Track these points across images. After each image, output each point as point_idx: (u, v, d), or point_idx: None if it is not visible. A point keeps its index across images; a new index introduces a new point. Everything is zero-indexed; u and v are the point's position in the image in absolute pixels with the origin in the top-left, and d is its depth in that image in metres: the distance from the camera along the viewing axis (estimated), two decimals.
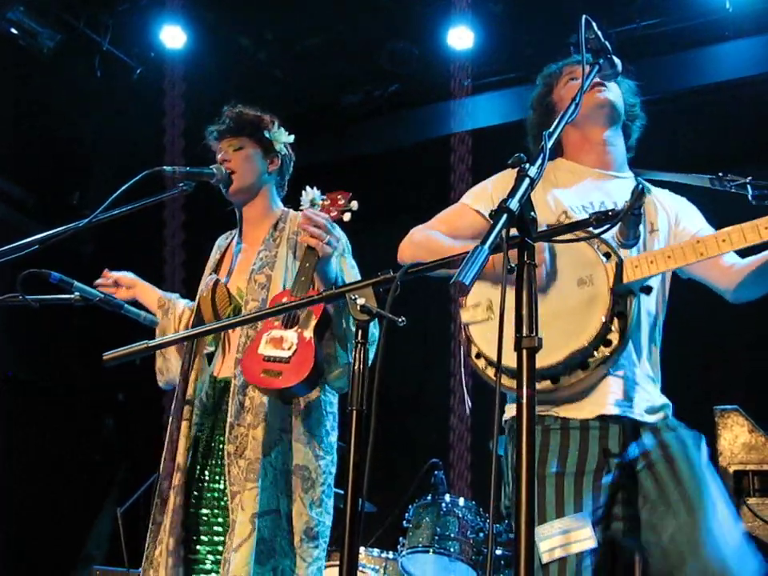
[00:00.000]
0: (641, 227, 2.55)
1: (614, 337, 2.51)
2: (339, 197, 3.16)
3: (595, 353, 2.52)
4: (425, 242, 2.91)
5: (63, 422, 7.70)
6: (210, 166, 3.40)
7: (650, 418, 2.65)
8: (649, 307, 2.74)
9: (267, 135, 3.54)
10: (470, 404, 2.87)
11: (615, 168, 2.95)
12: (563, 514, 2.49)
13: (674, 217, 2.93)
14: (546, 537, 2.47)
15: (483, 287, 2.66)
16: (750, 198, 2.71)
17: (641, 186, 2.32)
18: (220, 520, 3.14)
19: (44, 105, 7.36)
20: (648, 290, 2.58)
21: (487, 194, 2.92)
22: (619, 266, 2.54)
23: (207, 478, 3.22)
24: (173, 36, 7.29)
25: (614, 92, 2.91)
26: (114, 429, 8.26)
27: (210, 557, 3.12)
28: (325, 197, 3.17)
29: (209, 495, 3.19)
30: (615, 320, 2.51)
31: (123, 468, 7.85)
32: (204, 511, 3.18)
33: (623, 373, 2.63)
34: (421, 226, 3.02)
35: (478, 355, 2.69)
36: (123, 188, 2.93)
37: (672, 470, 2.56)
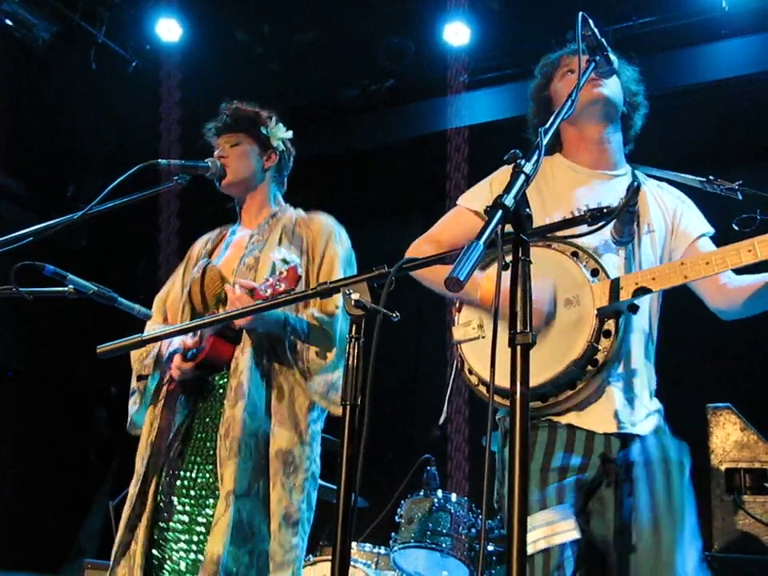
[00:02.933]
0: (635, 225, 2.56)
1: (601, 356, 2.53)
2: (293, 278, 3.05)
3: (582, 373, 2.54)
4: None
5: (56, 415, 7.70)
6: (205, 160, 3.40)
7: (639, 430, 2.65)
8: (641, 322, 2.73)
9: (264, 131, 3.54)
10: (444, 415, 2.91)
11: (611, 166, 2.93)
12: (546, 506, 2.53)
13: (673, 215, 2.91)
14: (530, 529, 2.48)
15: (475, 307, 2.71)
16: (734, 222, 2.74)
17: (636, 182, 2.32)
18: (187, 509, 3.12)
19: (39, 97, 7.35)
20: (635, 309, 2.59)
21: (487, 192, 2.91)
22: (610, 284, 2.55)
23: (182, 466, 3.19)
24: (169, 29, 7.29)
25: (611, 87, 2.86)
26: (107, 421, 8.26)
27: (175, 545, 3.10)
28: (288, 267, 3.07)
29: (179, 483, 3.16)
30: (602, 339, 2.53)
31: (116, 461, 7.85)
32: (173, 499, 3.16)
33: (614, 390, 2.63)
34: (424, 235, 3.03)
35: (470, 371, 2.72)
36: (118, 181, 2.93)
37: (651, 489, 2.57)
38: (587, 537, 2.57)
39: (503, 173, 2.93)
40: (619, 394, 2.63)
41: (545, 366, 2.52)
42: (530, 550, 2.47)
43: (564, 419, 2.61)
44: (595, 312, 2.53)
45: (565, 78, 2.99)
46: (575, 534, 2.50)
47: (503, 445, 2.74)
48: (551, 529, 2.49)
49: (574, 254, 2.62)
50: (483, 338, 2.68)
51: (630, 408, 2.65)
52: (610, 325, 2.54)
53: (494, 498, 2.76)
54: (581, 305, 2.56)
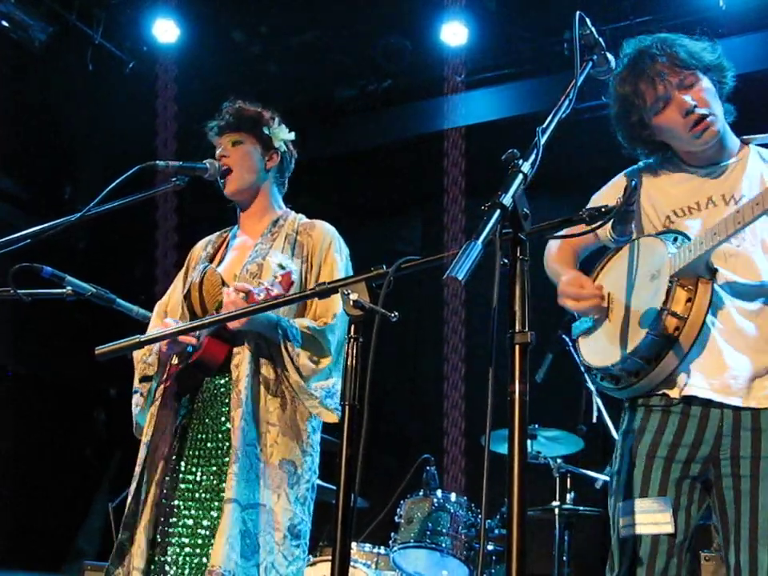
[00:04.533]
0: (633, 224, 2.56)
1: (680, 324, 2.52)
2: (286, 283, 3.06)
3: (664, 341, 2.55)
4: (550, 261, 3.03)
5: (55, 416, 7.70)
6: (204, 161, 3.39)
7: (753, 401, 2.57)
8: (741, 278, 2.64)
9: (267, 131, 3.52)
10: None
11: (726, 155, 2.85)
12: (647, 494, 2.57)
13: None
14: (626, 513, 2.57)
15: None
16: None
17: (633, 182, 2.32)
18: (192, 512, 3.10)
19: (35, 98, 7.34)
20: (713, 272, 2.57)
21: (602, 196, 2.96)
22: (685, 250, 2.56)
23: (183, 468, 3.18)
24: (166, 30, 7.29)
25: (713, 104, 2.78)
26: (106, 423, 8.26)
27: (180, 549, 3.09)
28: (283, 273, 3.08)
29: (183, 486, 3.15)
30: (681, 305, 2.53)
31: (114, 462, 7.85)
32: (176, 503, 3.15)
33: (718, 356, 2.59)
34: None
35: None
36: (116, 182, 2.92)
37: (751, 491, 2.52)
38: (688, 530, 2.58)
39: (620, 178, 2.99)
40: (716, 361, 2.59)
41: (629, 339, 2.59)
42: (622, 533, 2.57)
43: (676, 393, 2.60)
44: (668, 279, 2.55)
45: (664, 114, 2.79)
46: (669, 529, 2.52)
47: (625, 429, 2.75)
48: (646, 517, 2.54)
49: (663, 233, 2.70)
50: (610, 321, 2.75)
51: (731, 378, 2.58)
52: (690, 291, 2.54)
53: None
54: (660, 276, 2.59)
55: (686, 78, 2.77)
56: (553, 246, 3.06)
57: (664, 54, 2.77)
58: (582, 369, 2.98)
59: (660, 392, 2.63)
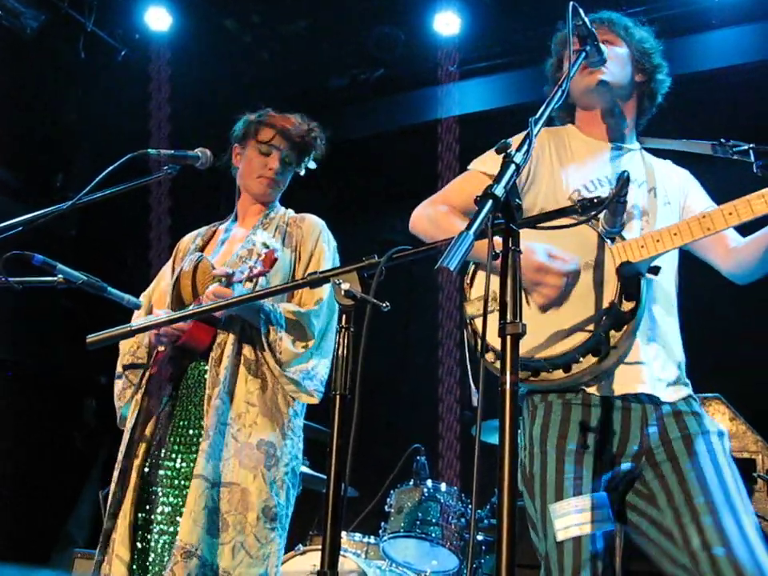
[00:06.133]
0: (625, 215, 2.55)
1: (628, 321, 2.48)
2: (269, 260, 3.08)
3: (606, 337, 2.48)
4: (441, 220, 2.81)
5: (45, 404, 7.69)
6: (195, 150, 3.38)
7: (672, 396, 2.59)
8: (664, 285, 2.69)
9: (305, 163, 3.69)
10: (476, 395, 2.83)
11: (624, 139, 2.92)
12: (581, 492, 2.45)
13: (682, 190, 2.90)
14: (562, 514, 2.44)
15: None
16: (754, 168, 2.68)
17: (626, 173, 2.31)
18: (171, 499, 3.11)
19: (27, 86, 7.31)
20: (655, 271, 2.54)
21: (498, 157, 2.89)
22: (630, 244, 2.50)
23: (163, 455, 3.19)
24: (158, 17, 7.27)
25: (612, 68, 2.80)
26: (96, 411, 8.25)
27: (159, 536, 3.09)
28: (266, 251, 3.10)
29: (162, 473, 3.16)
30: (624, 302, 2.47)
31: (104, 450, 7.84)
32: (156, 489, 3.16)
33: (641, 353, 2.57)
34: (434, 196, 2.92)
35: (486, 349, 2.61)
36: (107, 170, 2.92)
37: (679, 470, 2.48)
38: (630, 526, 2.53)
39: (516, 138, 2.91)
40: (647, 358, 2.57)
41: (567, 332, 2.48)
42: (560, 536, 2.42)
43: (596, 390, 2.54)
44: (616, 273, 2.47)
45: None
46: (609, 524, 2.43)
47: (531, 423, 2.63)
48: (584, 516, 2.41)
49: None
50: (498, 310, 2.62)
51: (658, 374, 2.59)
52: (631, 288, 2.48)
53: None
54: (600, 268, 2.51)
55: (605, 34, 2.84)
56: (434, 207, 2.90)
57: (600, 19, 2.85)
58: (472, 351, 2.76)
59: (579, 389, 2.56)
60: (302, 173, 3.70)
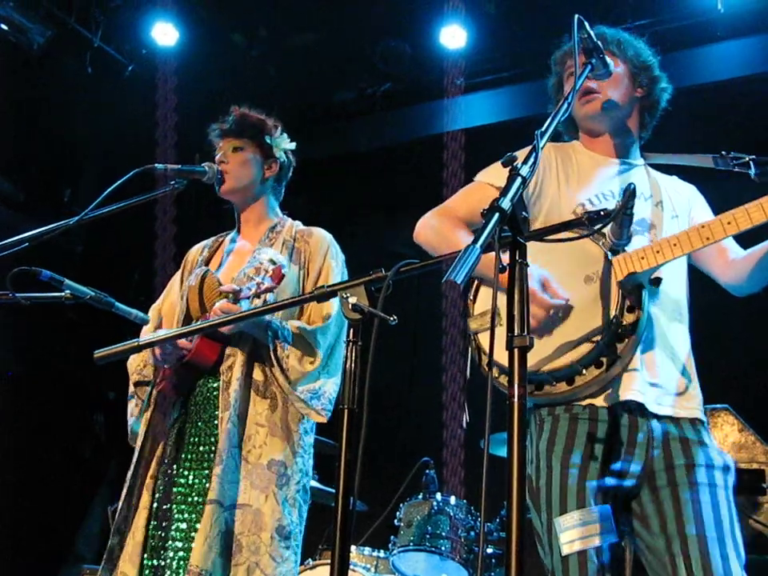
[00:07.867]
0: (632, 228, 2.55)
1: (629, 333, 2.47)
2: (277, 276, 3.07)
3: (609, 348, 2.47)
4: (445, 231, 2.80)
5: (54, 419, 7.69)
6: (202, 164, 3.40)
7: (679, 412, 2.57)
8: (671, 293, 2.67)
9: (268, 140, 3.54)
10: (467, 419, 2.81)
11: (629, 154, 2.93)
12: (584, 505, 2.43)
13: (689, 203, 2.90)
14: (566, 528, 2.42)
15: (490, 294, 2.55)
16: (752, 176, 2.68)
17: (632, 185, 2.31)
18: (185, 516, 3.10)
19: (34, 101, 7.34)
20: (657, 282, 2.54)
21: (503, 170, 2.88)
22: (631, 256, 2.49)
23: (176, 472, 3.18)
24: (165, 33, 7.30)
25: (609, 88, 2.82)
26: (105, 426, 8.25)
27: (174, 553, 3.08)
28: (274, 267, 3.09)
29: (176, 490, 3.15)
30: (626, 314, 2.46)
31: (113, 465, 7.83)
32: (170, 507, 3.15)
33: (645, 366, 2.55)
34: (439, 206, 2.92)
35: (489, 364, 2.62)
36: (114, 185, 2.93)
37: (677, 498, 2.48)
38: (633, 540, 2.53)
39: (522, 151, 2.91)
40: (652, 372, 2.55)
41: (570, 345, 2.47)
42: (565, 550, 2.40)
43: (602, 401, 2.52)
44: (618, 286, 2.46)
45: (569, 81, 2.94)
46: (613, 537, 2.41)
47: (537, 437, 2.60)
48: (588, 530, 2.39)
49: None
50: (502, 326, 2.52)
51: (660, 382, 2.57)
52: (633, 300, 2.46)
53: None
54: (601, 280, 2.50)
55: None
56: (439, 218, 2.89)
57: (597, 36, 2.78)
58: (471, 364, 2.74)
59: (585, 402, 2.54)
60: (278, 155, 3.58)
